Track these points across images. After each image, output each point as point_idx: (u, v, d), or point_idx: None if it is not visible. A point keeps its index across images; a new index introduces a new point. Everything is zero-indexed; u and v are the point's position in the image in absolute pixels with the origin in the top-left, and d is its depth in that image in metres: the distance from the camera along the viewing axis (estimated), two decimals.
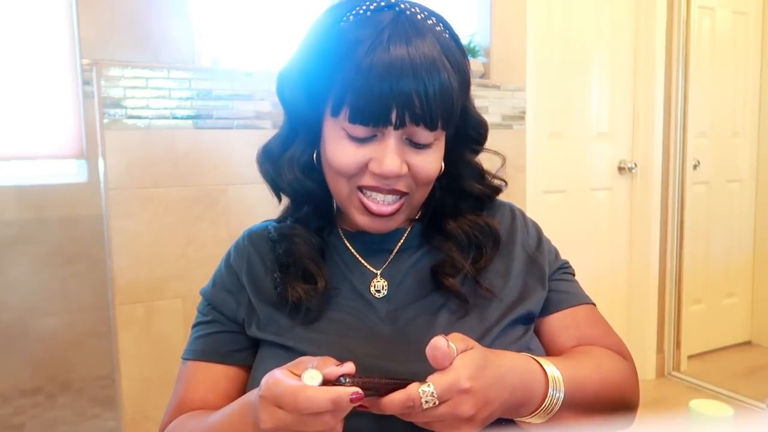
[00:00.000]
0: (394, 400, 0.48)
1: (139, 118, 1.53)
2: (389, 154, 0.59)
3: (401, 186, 0.62)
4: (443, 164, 0.66)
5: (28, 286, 2.45)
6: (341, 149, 0.60)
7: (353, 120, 0.58)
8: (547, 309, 0.70)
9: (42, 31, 1.99)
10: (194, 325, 0.72)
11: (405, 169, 0.60)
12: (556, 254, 0.75)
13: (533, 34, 2.20)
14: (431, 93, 0.57)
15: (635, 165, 2.50)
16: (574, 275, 0.76)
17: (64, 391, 2.49)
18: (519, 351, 0.62)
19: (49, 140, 2.09)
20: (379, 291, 0.67)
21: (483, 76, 2.12)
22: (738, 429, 0.49)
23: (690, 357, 2.65)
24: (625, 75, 2.49)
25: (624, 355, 0.70)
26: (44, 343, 2.51)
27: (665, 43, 2.45)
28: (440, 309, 0.65)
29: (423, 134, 0.59)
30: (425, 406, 0.48)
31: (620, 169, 2.51)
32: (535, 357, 0.59)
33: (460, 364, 0.50)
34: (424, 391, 0.48)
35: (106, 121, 1.49)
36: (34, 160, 2.18)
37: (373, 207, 0.62)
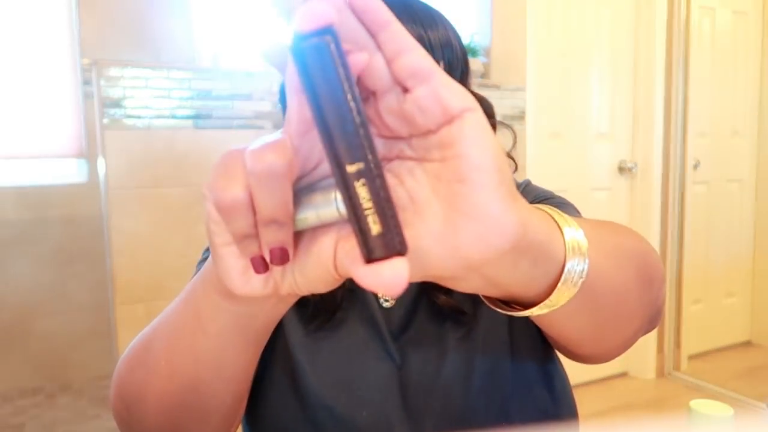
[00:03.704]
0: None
1: (139, 118, 1.53)
2: None
3: None
4: None
5: (28, 286, 2.45)
6: None
7: None
8: None
9: (42, 31, 1.99)
10: (200, 266, 0.62)
11: None
12: (539, 197, 0.68)
13: (533, 34, 2.20)
14: (427, 28, 0.58)
15: (635, 165, 2.50)
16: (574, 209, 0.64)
17: (64, 391, 2.49)
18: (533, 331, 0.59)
19: (49, 140, 2.09)
20: (387, 300, 0.62)
21: (483, 76, 2.12)
22: (738, 429, 0.49)
23: (690, 357, 2.66)
24: (625, 75, 2.49)
25: None
26: (44, 343, 2.51)
27: (665, 43, 2.46)
28: (446, 319, 0.61)
29: None
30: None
31: (620, 169, 2.51)
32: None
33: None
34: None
35: (106, 121, 1.49)
36: (34, 160, 2.18)
37: None
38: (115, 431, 0.52)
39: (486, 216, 0.26)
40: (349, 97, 0.23)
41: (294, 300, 0.35)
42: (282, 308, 0.37)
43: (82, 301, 2.50)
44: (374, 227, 0.24)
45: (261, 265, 0.30)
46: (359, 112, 0.23)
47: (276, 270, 0.31)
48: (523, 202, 0.29)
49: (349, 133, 0.23)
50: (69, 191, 2.37)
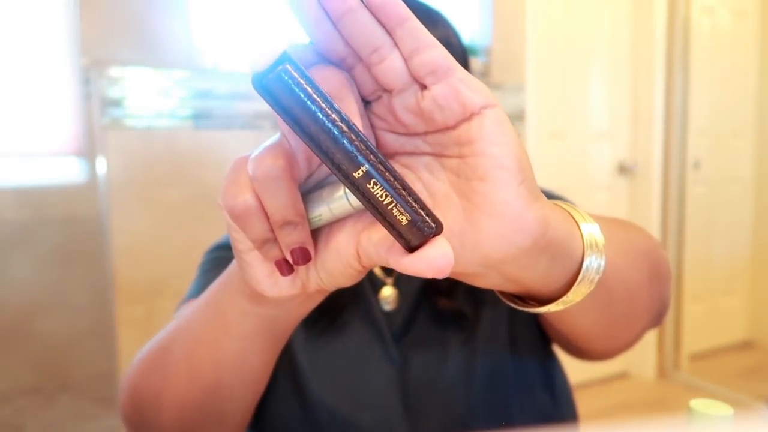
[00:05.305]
0: None
1: (139, 118, 1.53)
2: None
3: None
4: None
5: (28, 286, 2.45)
6: None
7: None
8: None
9: (42, 31, 1.99)
10: (203, 268, 0.61)
11: None
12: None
13: (533, 34, 2.20)
14: (427, 28, 0.59)
15: (635, 165, 2.50)
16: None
17: (64, 391, 2.49)
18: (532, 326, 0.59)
19: (49, 140, 2.09)
20: (388, 303, 0.61)
21: (483, 75, 2.12)
22: (738, 429, 0.49)
23: (690, 356, 2.66)
24: (625, 74, 2.49)
25: None
26: (44, 343, 2.51)
27: (665, 43, 2.45)
28: (448, 322, 0.61)
29: None
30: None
31: (620, 168, 2.51)
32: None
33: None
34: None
35: (106, 120, 1.49)
36: (33, 160, 2.19)
37: None
38: (114, 430, 0.52)
39: (507, 214, 0.26)
40: (326, 111, 0.23)
41: (322, 297, 0.35)
42: (308, 307, 0.37)
43: (82, 301, 2.50)
44: (402, 218, 0.24)
45: (285, 268, 0.29)
46: (342, 119, 0.23)
47: (301, 269, 0.31)
48: (543, 199, 0.29)
49: (341, 145, 0.23)
50: (69, 191, 2.37)
